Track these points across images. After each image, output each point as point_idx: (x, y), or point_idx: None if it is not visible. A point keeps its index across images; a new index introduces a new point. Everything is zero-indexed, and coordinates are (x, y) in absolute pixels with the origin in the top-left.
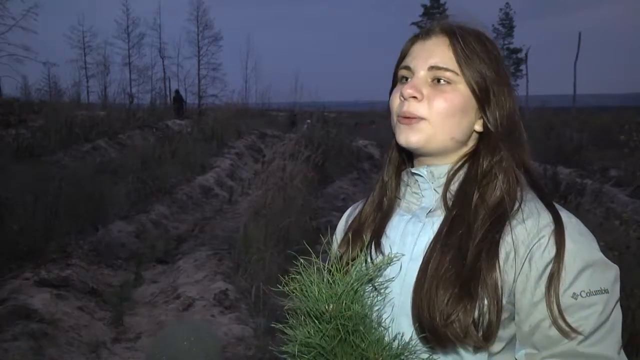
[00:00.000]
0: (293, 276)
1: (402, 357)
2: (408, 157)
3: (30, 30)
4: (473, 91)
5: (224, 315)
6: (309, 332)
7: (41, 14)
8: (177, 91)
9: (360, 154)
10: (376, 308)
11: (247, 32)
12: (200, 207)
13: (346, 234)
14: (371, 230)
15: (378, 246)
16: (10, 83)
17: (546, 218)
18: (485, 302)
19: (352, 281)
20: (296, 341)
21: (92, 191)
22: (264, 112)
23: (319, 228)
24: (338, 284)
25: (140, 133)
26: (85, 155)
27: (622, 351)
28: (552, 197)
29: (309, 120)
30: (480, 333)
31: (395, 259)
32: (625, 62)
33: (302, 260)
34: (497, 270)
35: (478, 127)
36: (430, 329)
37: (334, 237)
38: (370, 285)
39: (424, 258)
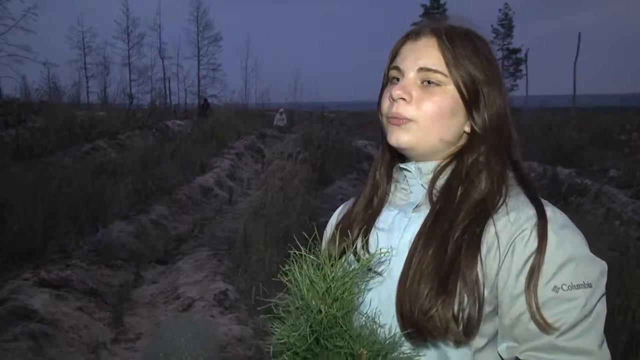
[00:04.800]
0: (287, 269)
1: (386, 353)
2: (398, 154)
3: (30, 30)
4: (461, 93)
5: (223, 316)
6: (285, 331)
7: (41, 14)
8: (205, 99)
9: (360, 154)
10: (369, 305)
11: (247, 32)
12: (200, 207)
13: (335, 230)
14: (359, 227)
15: (366, 242)
16: (10, 83)
17: (529, 211)
18: (465, 297)
19: (337, 278)
20: (275, 340)
21: (92, 191)
22: (264, 113)
23: (319, 228)
24: (325, 280)
25: (140, 133)
26: (85, 155)
27: (604, 345)
28: (538, 192)
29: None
30: (461, 328)
31: (387, 255)
32: (625, 62)
33: (295, 252)
34: (478, 265)
35: (467, 128)
36: (412, 323)
37: (324, 233)
38: (368, 276)
39: (408, 252)
